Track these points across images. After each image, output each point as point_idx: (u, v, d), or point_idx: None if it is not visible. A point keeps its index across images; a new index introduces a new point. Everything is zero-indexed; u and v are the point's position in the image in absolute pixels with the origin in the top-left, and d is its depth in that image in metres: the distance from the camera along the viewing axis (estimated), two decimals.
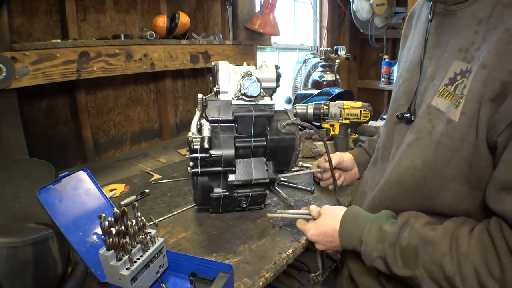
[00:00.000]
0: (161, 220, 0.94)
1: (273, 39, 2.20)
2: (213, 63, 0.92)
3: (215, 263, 0.67)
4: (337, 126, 1.31)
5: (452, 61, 0.64)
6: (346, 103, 1.29)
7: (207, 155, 0.82)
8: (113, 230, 0.59)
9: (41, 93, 1.29)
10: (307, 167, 1.28)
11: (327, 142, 0.98)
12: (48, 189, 0.64)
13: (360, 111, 1.28)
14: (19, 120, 1.10)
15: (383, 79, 2.92)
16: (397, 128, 0.78)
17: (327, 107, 1.30)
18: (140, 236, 0.63)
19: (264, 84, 0.91)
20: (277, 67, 0.92)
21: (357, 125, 1.34)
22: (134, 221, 0.64)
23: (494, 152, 0.56)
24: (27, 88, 1.08)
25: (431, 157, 0.64)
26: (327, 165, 1.00)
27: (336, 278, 0.98)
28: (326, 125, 1.33)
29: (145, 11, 1.61)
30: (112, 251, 0.59)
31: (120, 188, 1.14)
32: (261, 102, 0.91)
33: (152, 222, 0.92)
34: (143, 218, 0.65)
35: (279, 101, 2.44)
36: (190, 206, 1.02)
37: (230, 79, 0.89)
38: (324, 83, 2.30)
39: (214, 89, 0.89)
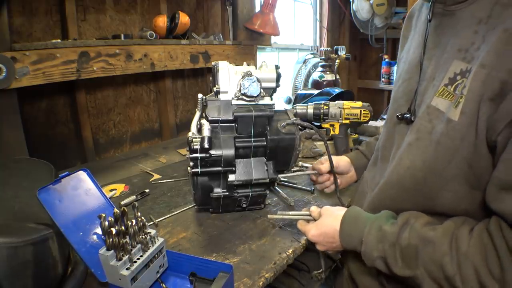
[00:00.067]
0: (161, 220, 0.94)
1: (273, 39, 2.20)
2: (213, 63, 0.92)
3: (215, 263, 0.67)
4: (337, 126, 1.31)
5: (451, 61, 0.64)
6: (346, 103, 1.29)
7: (207, 155, 0.82)
8: (113, 230, 0.59)
9: (41, 93, 1.29)
10: (307, 167, 1.28)
11: (327, 142, 0.98)
12: (48, 189, 0.65)
13: (360, 111, 1.28)
14: (19, 120, 1.10)
15: (383, 79, 2.92)
16: (397, 129, 0.78)
17: (327, 107, 1.30)
18: (140, 236, 0.63)
19: (264, 84, 0.91)
20: (277, 67, 0.92)
21: (357, 125, 1.34)
22: (134, 221, 0.64)
23: (494, 151, 0.56)
24: (27, 88, 1.08)
25: (431, 157, 0.64)
26: (322, 167, 0.99)
27: (336, 278, 0.98)
28: (326, 125, 1.33)
29: (145, 11, 1.61)
30: (112, 251, 0.59)
31: (120, 188, 1.14)
32: (261, 102, 0.90)
33: (152, 222, 0.92)
34: (143, 218, 0.65)
35: (279, 101, 2.44)
36: (190, 206, 1.02)
37: (230, 79, 0.89)
38: (324, 83, 2.30)
39: (214, 89, 0.89)
